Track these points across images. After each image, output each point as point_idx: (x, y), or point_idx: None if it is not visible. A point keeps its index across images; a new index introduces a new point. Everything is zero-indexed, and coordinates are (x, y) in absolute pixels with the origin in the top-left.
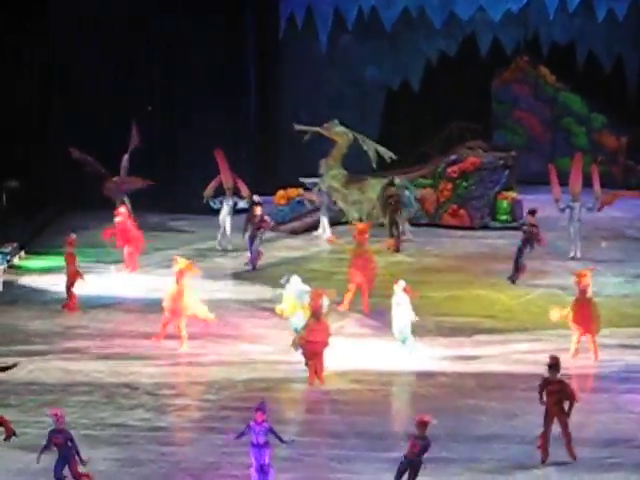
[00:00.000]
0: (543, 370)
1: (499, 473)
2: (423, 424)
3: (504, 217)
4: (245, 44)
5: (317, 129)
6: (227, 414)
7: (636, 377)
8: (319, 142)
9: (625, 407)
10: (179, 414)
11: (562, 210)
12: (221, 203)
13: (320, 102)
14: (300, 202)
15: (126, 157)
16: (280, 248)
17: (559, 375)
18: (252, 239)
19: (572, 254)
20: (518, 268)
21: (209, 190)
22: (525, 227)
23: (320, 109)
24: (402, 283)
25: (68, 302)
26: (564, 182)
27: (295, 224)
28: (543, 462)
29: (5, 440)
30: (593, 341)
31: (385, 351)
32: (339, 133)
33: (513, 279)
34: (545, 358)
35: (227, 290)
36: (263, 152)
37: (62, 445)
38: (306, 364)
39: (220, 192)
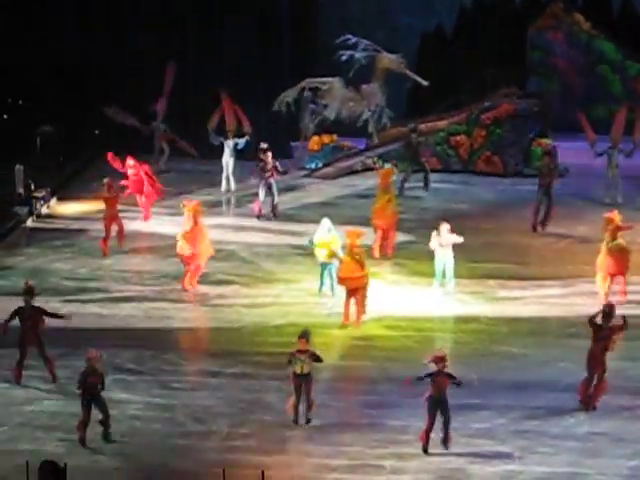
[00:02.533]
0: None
1: (531, 420)
2: (441, 359)
3: (538, 164)
4: None
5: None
6: (260, 359)
7: None
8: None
9: None
10: (212, 359)
11: (599, 155)
12: (221, 144)
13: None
14: (334, 148)
15: (162, 101)
16: (312, 193)
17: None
18: (267, 187)
19: (609, 200)
20: (548, 213)
21: (212, 123)
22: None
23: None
24: (446, 225)
25: (104, 240)
26: (599, 130)
27: (328, 170)
28: (587, 409)
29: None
30: (623, 282)
31: (419, 297)
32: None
33: (544, 224)
34: (578, 304)
35: (256, 235)
36: (299, 99)
37: (94, 386)
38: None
39: (222, 132)
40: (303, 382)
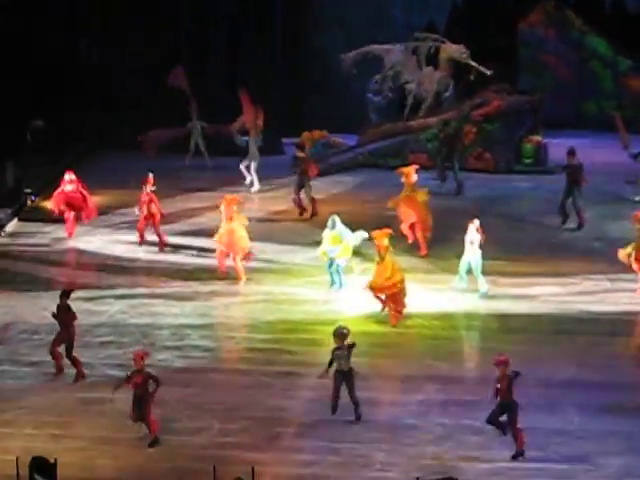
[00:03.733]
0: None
1: (523, 416)
2: (503, 363)
3: (529, 160)
4: None
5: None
6: (251, 355)
7: None
8: (353, 86)
9: None
10: (204, 356)
11: (635, 157)
12: (246, 142)
13: (346, 45)
14: (325, 144)
15: (195, 105)
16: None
17: None
18: (300, 186)
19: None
20: (578, 213)
21: (236, 124)
22: (568, 169)
23: (345, 51)
24: (477, 222)
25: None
26: (589, 126)
27: (320, 166)
28: None
29: (74, 382)
30: None
31: (410, 293)
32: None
33: (579, 226)
34: (571, 301)
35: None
36: (290, 95)
37: (140, 385)
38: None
39: (245, 132)
40: (344, 379)
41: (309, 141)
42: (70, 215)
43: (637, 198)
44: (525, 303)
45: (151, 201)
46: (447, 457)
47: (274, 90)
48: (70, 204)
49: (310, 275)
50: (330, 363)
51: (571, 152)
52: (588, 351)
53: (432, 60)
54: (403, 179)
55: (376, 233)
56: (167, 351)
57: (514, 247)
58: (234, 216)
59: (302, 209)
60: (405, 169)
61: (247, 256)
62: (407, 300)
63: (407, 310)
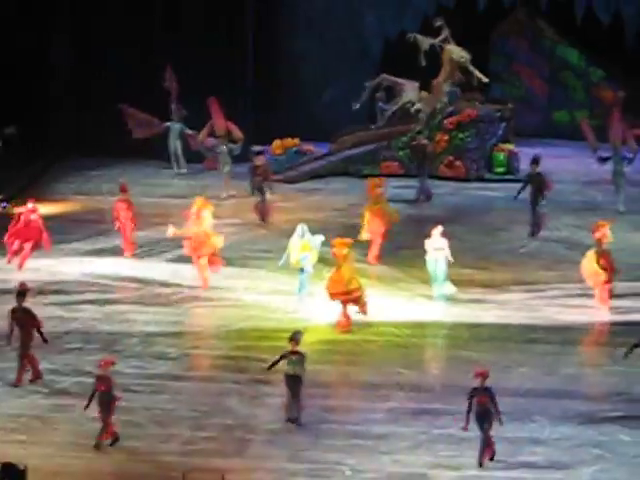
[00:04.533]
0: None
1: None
2: (482, 375)
3: (500, 169)
4: None
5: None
6: (222, 363)
7: (629, 330)
8: (319, 93)
9: (617, 359)
10: (174, 363)
11: (603, 160)
12: (217, 150)
13: (317, 52)
14: (297, 152)
15: (175, 105)
16: (275, 197)
17: None
18: (260, 191)
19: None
20: (538, 221)
21: (202, 136)
22: (532, 177)
23: (318, 59)
24: (440, 228)
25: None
26: (562, 135)
27: (291, 173)
28: None
29: (31, 382)
30: (606, 290)
31: (379, 302)
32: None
33: (534, 232)
34: (540, 310)
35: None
36: (261, 102)
37: (105, 392)
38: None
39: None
40: (293, 383)
41: (280, 149)
42: (26, 247)
43: (621, 209)
44: (495, 311)
45: (126, 208)
46: (416, 465)
47: (245, 97)
48: (27, 239)
49: (281, 282)
50: (275, 363)
51: (534, 160)
52: (558, 360)
53: (430, 58)
54: (368, 190)
55: (336, 241)
56: (137, 358)
57: (485, 255)
58: (205, 221)
59: (264, 216)
60: (375, 180)
61: (215, 262)
62: (369, 308)
63: (376, 319)
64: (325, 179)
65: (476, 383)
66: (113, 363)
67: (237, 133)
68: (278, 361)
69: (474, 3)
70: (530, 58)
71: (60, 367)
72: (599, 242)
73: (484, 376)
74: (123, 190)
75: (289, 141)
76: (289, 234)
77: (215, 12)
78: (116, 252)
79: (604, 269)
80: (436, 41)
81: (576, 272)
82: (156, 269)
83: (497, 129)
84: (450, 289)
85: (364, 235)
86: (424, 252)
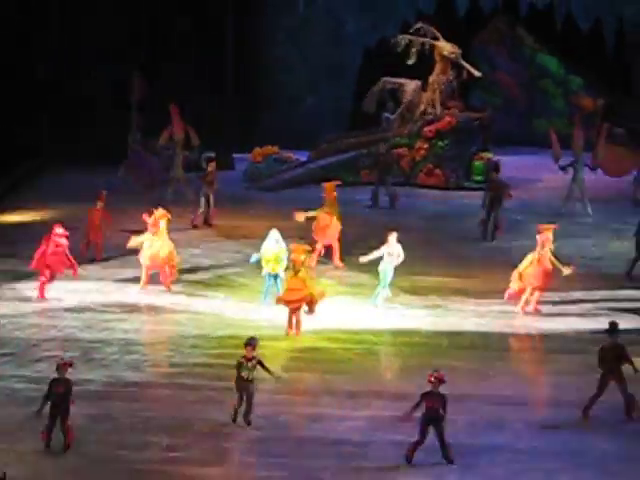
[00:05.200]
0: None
1: (470, 432)
2: (438, 380)
3: (479, 177)
4: (224, 4)
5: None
6: (200, 371)
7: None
8: (304, 103)
9: (597, 368)
10: (152, 371)
11: (562, 169)
12: (172, 152)
13: (297, 61)
14: (276, 160)
15: (137, 115)
16: (254, 204)
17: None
18: (206, 197)
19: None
20: (497, 225)
21: (162, 139)
22: (491, 184)
23: (298, 68)
24: (395, 234)
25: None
26: (541, 143)
27: (270, 181)
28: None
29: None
30: (535, 294)
31: (359, 309)
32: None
33: (493, 237)
34: (519, 318)
35: (196, 246)
36: (241, 111)
37: (62, 395)
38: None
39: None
40: (246, 388)
41: (260, 156)
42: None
43: (589, 218)
44: (474, 319)
45: (103, 217)
46: (396, 473)
47: (225, 105)
48: (55, 268)
49: (258, 290)
50: (238, 367)
51: (494, 167)
52: (536, 368)
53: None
54: (324, 194)
55: (294, 247)
56: (116, 366)
57: (463, 263)
58: (161, 232)
59: (207, 222)
60: (329, 184)
61: (170, 273)
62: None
63: (356, 326)
64: (304, 187)
65: (429, 387)
66: (71, 365)
67: (195, 139)
68: (239, 368)
69: (454, 11)
70: (510, 66)
71: (36, 375)
72: (542, 245)
73: (438, 381)
74: (100, 199)
75: (269, 149)
76: (260, 240)
77: (196, 22)
78: (93, 260)
79: (542, 273)
80: (427, 40)
81: (554, 280)
82: (135, 277)
83: (476, 137)
84: (387, 293)
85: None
86: (403, 261)
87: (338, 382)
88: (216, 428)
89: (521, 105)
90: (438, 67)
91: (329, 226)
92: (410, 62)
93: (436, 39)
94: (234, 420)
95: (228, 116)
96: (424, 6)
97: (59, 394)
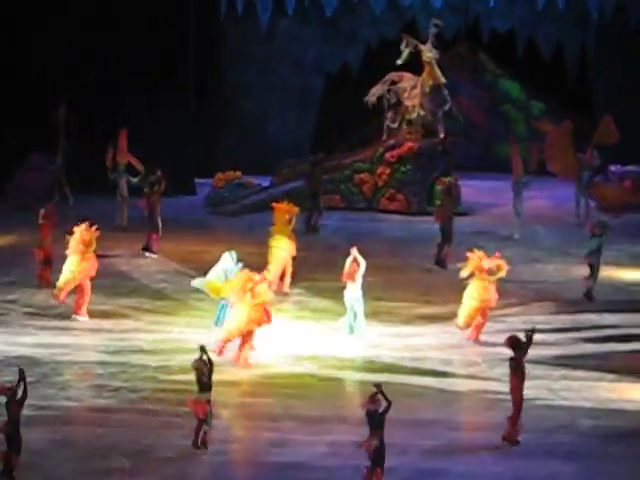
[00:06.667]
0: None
1: (434, 458)
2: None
3: (439, 202)
4: (185, 27)
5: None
6: (162, 396)
7: (571, 364)
8: (267, 127)
9: (560, 394)
10: (114, 395)
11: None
12: (116, 177)
13: (259, 86)
14: (238, 184)
15: (63, 140)
16: (218, 231)
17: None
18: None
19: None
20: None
21: (108, 162)
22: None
23: (260, 92)
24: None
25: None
26: (505, 169)
27: (233, 207)
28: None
29: None
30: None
31: (322, 334)
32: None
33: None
34: (481, 342)
35: (157, 271)
36: (202, 135)
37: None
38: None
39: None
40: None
41: (222, 181)
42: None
43: (516, 236)
44: (436, 345)
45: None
46: None
47: (187, 130)
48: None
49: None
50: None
51: (446, 191)
52: (502, 393)
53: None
54: (275, 216)
55: (241, 275)
56: (77, 389)
57: (426, 289)
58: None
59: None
60: (282, 205)
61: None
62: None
63: (318, 351)
64: (266, 212)
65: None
66: (10, 389)
67: (138, 167)
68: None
69: (416, 37)
70: (471, 91)
71: None
72: (490, 272)
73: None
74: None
75: (231, 174)
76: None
77: (156, 44)
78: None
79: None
80: (415, 41)
81: (518, 305)
82: (94, 300)
83: (438, 162)
84: (364, 328)
85: (271, 274)
86: (367, 287)
87: (300, 407)
88: (178, 453)
89: (482, 130)
90: (425, 71)
91: (287, 249)
92: (400, 62)
93: (422, 42)
94: (196, 445)
95: (189, 140)
96: (387, 32)
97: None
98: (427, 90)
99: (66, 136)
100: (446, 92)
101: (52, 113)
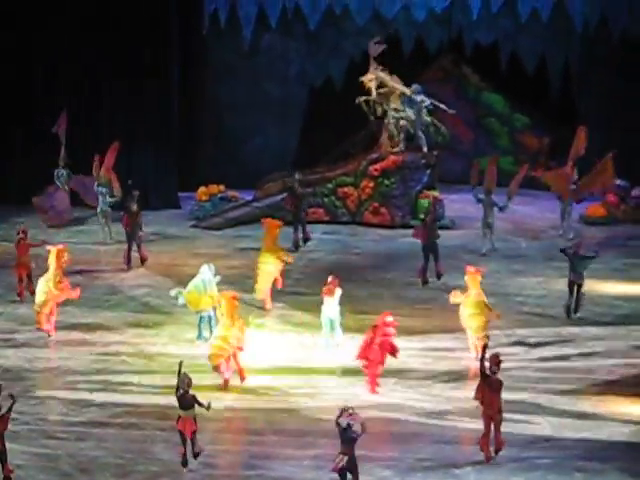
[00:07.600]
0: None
1: (416, 472)
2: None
3: (424, 216)
4: (168, 42)
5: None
6: (145, 410)
7: (554, 377)
8: (250, 141)
9: (543, 407)
10: (98, 409)
11: (479, 201)
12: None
13: (243, 99)
14: (222, 198)
15: (64, 151)
16: (201, 244)
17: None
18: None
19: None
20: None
21: (95, 174)
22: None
23: (243, 106)
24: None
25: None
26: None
27: (216, 220)
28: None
29: None
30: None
31: (305, 348)
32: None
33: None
34: (464, 357)
35: (141, 285)
36: (186, 149)
37: None
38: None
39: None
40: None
41: (206, 195)
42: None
43: (484, 250)
44: (420, 358)
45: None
46: None
47: (170, 144)
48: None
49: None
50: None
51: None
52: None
53: None
54: (264, 230)
55: (224, 294)
56: (61, 404)
57: (409, 302)
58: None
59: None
60: (271, 220)
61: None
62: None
63: (301, 365)
64: (250, 226)
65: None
66: None
67: (116, 187)
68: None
69: (399, 50)
70: (455, 105)
71: None
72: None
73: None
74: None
75: (214, 188)
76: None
77: (139, 59)
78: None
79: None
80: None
81: (502, 319)
82: (77, 314)
83: (422, 176)
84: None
85: (261, 292)
86: (350, 300)
87: (283, 421)
88: (162, 467)
89: (466, 143)
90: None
91: (274, 263)
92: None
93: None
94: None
95: (173, 154)
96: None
97: None
98: (400, 104)
99: (67, 148)
100: (420, 97)
101: (52, 126)
